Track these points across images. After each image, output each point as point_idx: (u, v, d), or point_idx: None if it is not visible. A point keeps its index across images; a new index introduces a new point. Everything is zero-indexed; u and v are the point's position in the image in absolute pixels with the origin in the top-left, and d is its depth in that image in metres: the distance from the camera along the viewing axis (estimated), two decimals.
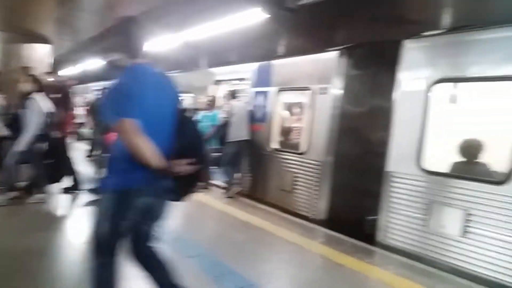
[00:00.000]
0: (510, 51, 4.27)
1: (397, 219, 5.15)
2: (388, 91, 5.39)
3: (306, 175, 6.59)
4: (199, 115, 8.05)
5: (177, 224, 5.44)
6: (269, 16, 6.34)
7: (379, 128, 5.50)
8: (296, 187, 6.75)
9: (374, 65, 5.83)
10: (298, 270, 4.52)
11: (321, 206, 6.32)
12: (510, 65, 4.25)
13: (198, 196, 7.33)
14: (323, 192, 6.31)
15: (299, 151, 6.88)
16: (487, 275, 4.25)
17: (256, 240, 5.29)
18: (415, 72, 5.14)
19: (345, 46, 6.22)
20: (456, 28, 4.92)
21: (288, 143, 7.61)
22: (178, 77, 10.93)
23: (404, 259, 4.85)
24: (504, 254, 4.15)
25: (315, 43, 7.08)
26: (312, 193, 6.45)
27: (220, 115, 7.83)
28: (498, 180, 4.33)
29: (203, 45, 8.67)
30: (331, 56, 6.37)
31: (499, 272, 4.17)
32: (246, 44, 8.30)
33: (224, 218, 6.26)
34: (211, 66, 9.63)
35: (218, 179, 7.89)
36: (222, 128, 7.61)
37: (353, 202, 5.81)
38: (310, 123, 6.68)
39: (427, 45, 5.12)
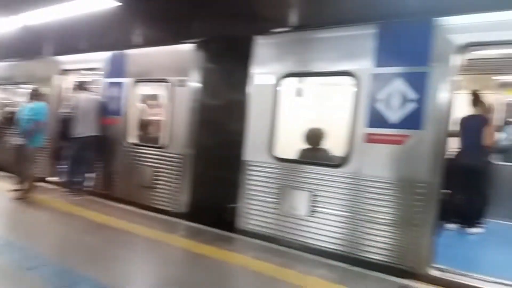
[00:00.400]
0: (346, 49, 4.81)
1: (255, 205, 5.45)
2: (243, 84, 5.62)
3: (167, 169, 6.48)
4: (21, 108, 7.10)
5: (8, 232, 4.79)
6: (120, 3, 6.00)
7: (236, 120, 5.71)
8: (156, 182, 6.59)
9: (230, 59, 6.01)
10: (158, 266, 4.43)
11: (182, 199, 6.30)
12: (346, 62, 4.80)
13: (36, 197, 6.64)
14: (184, 185, 6.30)
15: (159, 145, 6.73)
16: (332, 249, 4.80)
17: (111, 241, 4.99)
18: (265, 67, 5.47)
19: (201, 39, 6.26)
20: (301, 27, 5.36)
21: (147, 137, 7.38)
22: (16, 66, 9.67)
23: (262, 243, 5.16)
24: (343, 228, 4.72)
25: (172, 34, 6.95)
26: (173, 187, 6.39)
27: (50, 108, 7.10)
28: (336, 163, 4.90)
29: (46, 30, 7.75)
30: (188, 48, 6.35)
31: (341, 245, 4.74)
32: (97, 32, 7.69)
33: (71, 221, 5.74)
34: (56, 54, 8.70)
35: (62, 177, 7.23)
36: (65, 123, 6.97)
37: (214, 192, 5.94)
38: (169, 116, 6.57)
39: (276, 41, 5.48)
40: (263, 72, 5.46)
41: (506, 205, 6.86)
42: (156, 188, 6.59)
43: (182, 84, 6.37)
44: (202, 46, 6.26)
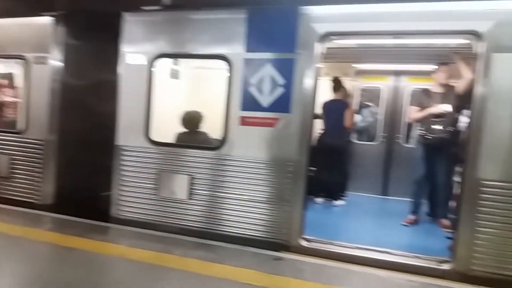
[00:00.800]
0: (219, 32, 4.82)
1: (130, 192, 5.21)
2: (113, 64, 5.25)
3: (27, 157, 5.78)
4: None
5: None
6: None
7: (107, 102, 5.33)
8: (14, 171, 5.84)
9: (97, 36, 5.54)
10: (21, 265, 3.94)
11: (47, 190, 5.71)
12: (219, 45, 4.81)
13: None
14: (48, 174, 5.70)
15: (15, 130, 5.94)
16: (212, 229, 4.86)
17: None
18: (137, 46, 5.18)
19: (62, 12, 5.64)
20: (174, 6, 5.18)
21: (1, 121, 6.46)
22: None
23: (138, 230, 4.99)
24: (222, 209, 4.81)
25: (29, 5, 6.10)
26: (36, 176, 5.73)
27: None
28: (214, 146, 4.94)
29: None
30: (47, 21, 5.67)
31: (220, 225, 4.83)
32: None
33: None
34: None
35: None
36: None
37: (84, 180, 5.49)
38: (27, 97, 5.82)
39: (147, 20, 5.21)
40: (135, 52, 5.17)
41: (363, 179, 7.78)
42: (14, 178, 5.83)
43: (40, 61, 5.69)
44: (64, 20, 5.65)
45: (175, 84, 6.47)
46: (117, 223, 5.21)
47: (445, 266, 4.08)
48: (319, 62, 4.49)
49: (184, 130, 5.56)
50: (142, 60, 5.11)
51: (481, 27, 3.86)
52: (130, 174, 5.20)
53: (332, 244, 4.60)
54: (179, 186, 4.97)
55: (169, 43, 5.06)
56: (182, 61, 6.39)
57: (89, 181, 5.45)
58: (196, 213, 4.94)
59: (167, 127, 5.52)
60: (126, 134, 5.22)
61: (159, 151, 5.09)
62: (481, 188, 3.89)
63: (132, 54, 5.17)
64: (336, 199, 6.91)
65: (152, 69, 5.10)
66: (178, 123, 5.57)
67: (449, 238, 4.55)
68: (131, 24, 5.21)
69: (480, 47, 3.89)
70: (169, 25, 5.09)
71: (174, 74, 6.42)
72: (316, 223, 5.31)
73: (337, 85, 6.92)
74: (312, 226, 4.81)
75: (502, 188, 3.83)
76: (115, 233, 4.96)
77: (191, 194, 4.94)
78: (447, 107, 5.39)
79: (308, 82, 4.44)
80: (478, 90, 3.90)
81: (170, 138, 5.47)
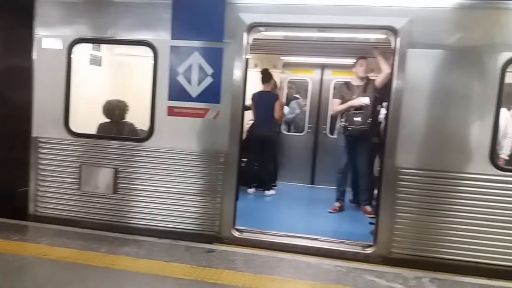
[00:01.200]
0: (143, 17, 4.60)
1: (49, 187, 4.85)
2: (27, 48, 4.80)
3: None
4: None
5: None
6: None
7: (20, 90, 4.87)
8: None
9: (7, 18, 5.03)
10: None
11: None
12: (143, 31, 4.60)
13: None
14: None
15: None
16: (142, 224, 4.68)
17: None
18: (52, 30, 4.78)
19: None
20: None
21: None
22: None
23: (59, 227, 4.67)
24: (152, 202, 4.65)
25: None
26: None
27: None
28: (141, 137, 4.74)
29: None
30: None
31: (151, 219, 4.67)
32: None
33: None
34: None
35: None
36: None
37: None
38: None
39: (64, 1, 4.81)
40: (50, 35, 4.77)
41: (292, 169, 8.00)
42: None
43: None
44: None
45: (97, 72, 6.10)
46: (36, 220, 4.86)
47: (369, 250, 4.32)
48: (248, 53, 4.48)
49: (107, 120, 5.27)
50: (59, 44, 4.73)
51: (397, 23, 4.09)
52: (49, 168, 4.83)
53: (263, 233, 4.66)
54: (103, 180, 4.72)
55: (89, 27, 4.73)
56: (106, 47, 6.03)
57: (3, 176, 4.98)
58: (123, 208, 4.72)
59: (89, 118, 5.20)
60: (43, 125, 4.83)
61: (80, 143, 4.77)
62: (399, 176, 4.16)
63: (48, 38, 4.76)
64: (267, 189, 7.03)
65: (70, 55, 4.74)
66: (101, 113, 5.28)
67: (371, 223, 4.83)
68: (46, 5, 4.79)
69: (396, 43, 4.13)
70: (89, 8, 4.75)
71: (97, 61, 6.04)
72: (248, 214, 5.36)
73: (266, 76, 7.00)
74: (244, 217, 4.84)
75: (417, 176, 4.12)
76: (34, 231, 4.59)
77: (116, 188, 4.71)
78: (366, 100, 5.71)
79: (237, 72, 4.41)
80: (395, 83, 4.15)
81: (93, 129, 5.16)
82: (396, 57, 4.13)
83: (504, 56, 3.91)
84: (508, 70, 3.94)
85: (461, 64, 4.02)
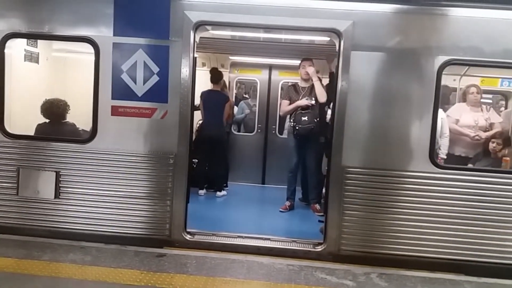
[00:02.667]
0: (82, 12, 4.37)
1: None
2: None
3: None
4: None
5: None
6: None
7: None
8: None
9: None
10: None
11: None
12: (84, 26, 4.38)
13: None
14: None
15: None
16: (87, 230, 4.46)
17: None
18: None
19: None
20: None
21: None
22: None
23: None
24: (97, 207, 4.45)
25: None
26: None
27: None
28: (84, 138, 4.53)
29: None
30: None
31: (97, 224, 4.46)
32: None
33: None
34: None
35: None
36: None
37: None
38: None
39: None
40: None
41: (242, 169, 8.02)
42: None
43: None
44: None
45: (35, 69, 5.74)
46: None
47: (319, 248, 4.41)
48: (195, 52, 4.41)
49: (46, 120, 4.97)
50: None
51: (340, 25, 4.21)
52: None
53: (215, 235, 4.62)
54: (44, 184, 4.45)
55: (24, 21, 4.43)
56: (44, 43, 5.69)
57: None
58: (66, 213, 4.48)
59: (27, 118, 4.89)
60: None
61: (17, 145, 4.47)
62: (345, 175, 4.28)
63: None
64: (218, 190, 6.98)
65: (3, 50, 4.42)
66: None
67: (320, 221, 4.95)
68: None
69: (340, 45, 4.25)
70: (24, 1, 4.46)
71: (33, 58, 5.68)
72: (199, 216, 5.29)
73: (216, 76, 6.95)
74: (195, 219, 4.78)
75: (362, 174, 4.27)
76: None
77: (58, 192, 4.46)
78: (311, 101, 5.87)
79: (184, 71, 4.33)
80: (340, 85, 4.26)
81: (32, 130, 4.86)
82: (340, 59, 4.25)
83: (440, 60, 4.14)
84: (444, 72, 4.18)
85: (401, 67, 4.22)
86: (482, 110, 5.58)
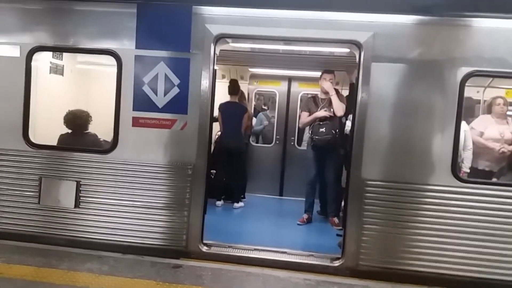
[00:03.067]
0: (108, 26, 4.47)
1: (5, 201, 4.60)
2: None
3: None
4: None
5: None
6: None
7: None
8: None
9: None
10: None
11: None
12: (108, 40, 4.47)
13: None
14: None
15: None
16: (106, 239, 4.49)
17: None
18: (7, 36, 4.58)
19: None
20: None
21: None
22: None
23: (17, 243, 4.44)
24: (117, 217, 4.49)
25: None
26: None
27: None
28: (105, 149, 4.59)
29: None
30: None
31: (115, 234, 4.49)
32: None
33: None
34: None
35: None
36: None
37: None
38: None
39: (22, 7, 4.58)
40: (5, 42, 4.56)
41: (260, 181, 7.99)
42: None
43: None
44: None
45: (59, 81, 5.90)
46: None
47: (337, 263, 4.33)
48: (215, 64, 4.45)
49: (68, 131, 5.09)
50: (15, 52, 4.53)
51: (361, 37, 4.18)
52: (5, 181, 4.58)
53: (232, 247, 4.59)
54: (65, 194, 4.52)
55: (50, 34, 4.56)
56: (68, 56, 5.85)
57: None
58: (86, 223, 4.53)
59: (50, 129, 5.00)
60: (0, 136, 4.59)
61: (40, 155, 4.57)
62: (365, 188, 4.20)
63: (3, 45, 4.56)
64: (236, 201, 6.97)
65: (30, 62, 4.55)
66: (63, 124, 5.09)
67: (339, 235, 4.86)
68: (2, 11, 4.59)
69: (360, 56, 4.21)
70: (49, 15, 4.59)
71: (58, 70, 5.85)
72: (216, 227, 5.28)
73: (234, 87, 6.99)
74: (212, 231, 4.76)
75: (383, 187, 4.18)
76: None
77: (78, 201, 4.52)
78: (322, 114, 5.82)
79: (204, 83, 4.37)
80: (360, 96, 4.22)
81: (54, 141, 4.96)
82: (361, 71, 4.21)
83: (463, 71, 4.06)
84: (467, 84, 4.09)
85: (423, 78, 4.14)
86: (507, 122, 5.42)
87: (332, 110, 5.84)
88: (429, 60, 4.13)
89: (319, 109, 5.95)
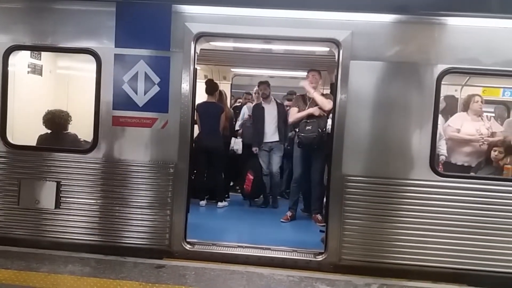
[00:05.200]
0: (85, 25, 4.43)
1: None
2: None
3: None
4: None
5: None
6: None
7: None
8: None
9: None
10: None
11: None
12: (86, 39, 4.42)
13: None
14: None
15: None
16: (87, 240, 4.45)
17: None
18: None
19: None
20: None
21: None
22: None
23: None
24: (98, 217, 4.45)
25: None
26: None
27: None
28: (85, 149, 4.55)
29: None
30: None
31: (97, 235, 4.45)
32: None
33: None
34: None
35: None
36: None
37: None
38: None
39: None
40: None
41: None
42: None
43: None
44: None
45: (39, 81, 5.81)
46: None
47: (320, 258, 4.37)
48: (196, 63, 4.45)
49: (48, 131, 5.01)
50: None
51: (339, 35, 4.24)
52: None
53: (215, 245, 4.59)
54: (45, 194, 4.45)
55: (27, 33, 4.48)
56: (47, 55, 5.76)
57: None
58: (66, 223, 4.47)
59: (29, 129, 4.92)
60: None
61: (18, 155, 4.49)
62: (345, 183, 4.26)
63: None
64: (219, 201, 6.95)
65: (6, 62, 4.46)
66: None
67: (322, 231, 4.91)
68: None
69: (339, 55, 4.27)
70: (27, 14, 4.52)
71: (37, 70, 5.76)
72: (199, 226, 5.28)
73: (211, 87, 6.98)
74: (195, 229, 4.77)
75: (363, 183, 4.24)
76: None
77: (59, 202, 4.46)
78: (316, 111, 5.85)
79: (185, 82, 4.36)
80: (339, 94, 4.27)
81: (33, 141, 4.89)
82: (340, 69, 4.27)
83: (439, 68, 4.15)
84: (443, 81, 4.19)
85: (400, 75, 4.22)
86: (482, 119, 5.56)
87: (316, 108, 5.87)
88: (406, 58, 4.21)
89: (307, 107, 5.98)
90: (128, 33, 4.38)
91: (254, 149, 6.94)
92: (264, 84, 6.98)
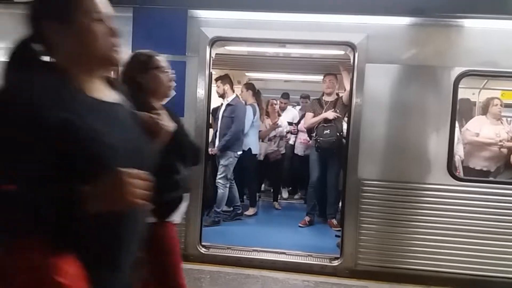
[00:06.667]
0: None
1: None
2: None
3: None
4: None
5: None
6: None
7: None
8: None
9: None
10: None
11: None
12: None
13: None
14: None
15: None
16: None
17: None
18: None
19: None
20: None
21: None
22: None
23: None
24: None
25: None
26: None
27: None
28: None
29: None
30: None
31: None
32: None
33: None
34: None
35: None
36: None
37: None
38: None
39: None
40: None
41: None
42: None
43: None
44: None
45: None
46: None
47: (335, 263, 4.33)
48: (211, 67, 4.49)
49: None
50: None
51: (355, 39, 4.22)
52: None
53: (230, 248, 4.60)
54: None
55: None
56: None
57: None
58: None
59: None
60: None
61: None
62: (361, 187, 4.22)
63: None
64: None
65: None
66: None
67: (338, 236, 4.87)
68: None
69: (355, 58, 4.25)
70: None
71: None
72: (215, 230, 5.29)
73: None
74: (211, 233, 4.78)
75: (379, 187, 4.20)
76: None
77: None
78: (330, 114, 5.82)
79: (201, 86, 4.39)
80: (354, 97, 4.25)
81: None
82: (355, 72, 4.26)
83: (456, 71, 4.10)
84: (461, 84, 4.13)
85: (417, 78, 4.18)
86: (502, 123, 5.46)
87: (337, 111, 5.84)
88: (423, 60, 4.17)
89: (323, 111, 5.97)
90: (144, 38, 4.43)
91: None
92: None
